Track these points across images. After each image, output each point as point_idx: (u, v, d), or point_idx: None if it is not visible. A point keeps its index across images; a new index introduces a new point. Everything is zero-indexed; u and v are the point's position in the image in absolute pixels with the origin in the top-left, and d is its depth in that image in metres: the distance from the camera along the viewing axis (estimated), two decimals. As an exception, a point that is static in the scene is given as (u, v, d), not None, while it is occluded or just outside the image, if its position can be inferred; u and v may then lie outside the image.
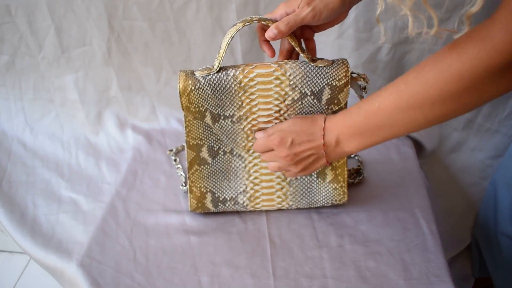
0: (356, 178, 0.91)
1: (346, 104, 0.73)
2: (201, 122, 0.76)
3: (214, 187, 0.82)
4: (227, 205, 0.83)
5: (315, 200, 0.82)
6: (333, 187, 0.81)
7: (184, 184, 0.92)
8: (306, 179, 0.81)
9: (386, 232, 0.80)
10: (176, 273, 0.76)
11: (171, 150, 1.02)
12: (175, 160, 0.99)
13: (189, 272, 0.76)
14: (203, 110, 0.74)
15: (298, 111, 0.73)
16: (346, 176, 0.80)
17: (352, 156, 0.97)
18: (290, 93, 0.71)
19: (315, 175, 0.81)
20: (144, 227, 0.84)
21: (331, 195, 0.82)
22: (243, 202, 0.83)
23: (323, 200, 0.82)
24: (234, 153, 0.79)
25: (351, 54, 0.98)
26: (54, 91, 1.10)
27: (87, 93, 1.10)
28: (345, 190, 0.81)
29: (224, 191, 0.82)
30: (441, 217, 0.93)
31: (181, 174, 0.95)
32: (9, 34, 1.01)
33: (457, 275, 1.12)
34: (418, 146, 1.05)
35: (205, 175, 0.81)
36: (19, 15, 0.99)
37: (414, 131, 0.66)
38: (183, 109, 0.75)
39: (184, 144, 0.84)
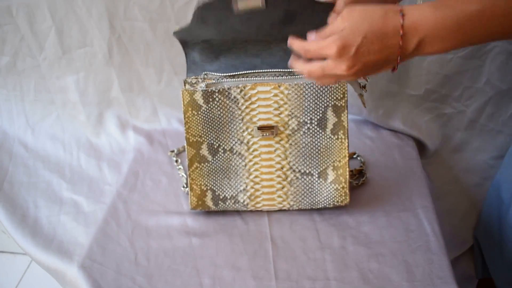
0: (359, 179, 0.90)
1: (344, 100, 0.72)
2: (200, 118, 0.75)
3: (214, 185, 0.82)
4: (227, 203, 0.83)
5: (316, 200, 0.82)
6: (335, 187, 0.80)
7: (185, 185, 0.91)
8: (307, 180, 0.81)
9: (389, 233, 0.79)
10: (178, 275, 0.75)
11: (172, 151, 1.02)
12: (176, 161, 0.99)
13: (191, 274, 0.75)
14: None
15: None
16: (347, 177, 0.80)
17: (354, 156, 0.96)
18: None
19: (317, 175, 0.80)
20: (145, 228, 0.84)
21: (333, 196, 0.81)
22: (244, 201, 0.82)
23: (325, 201, 0.82)
24: (234, 151, 0.79)
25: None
26: (55, 92, 1.09)
27: (88, 94, 1.09)
28: (347, 191, 0.81)
29: (225, 189, 0.82)
30: (443, 218, 0.93)
31: (183, 175, 0.94)
32: (10, 35, 1.01)
33: (461, 276, 1.11)
34: (421, 147, 1.04)
35: (205, 172, 0.81)
36: (20, 16, 0.98)
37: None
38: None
39: (185, 145, 0.84)
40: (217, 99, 0.72)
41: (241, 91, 0.72)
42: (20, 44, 1.02)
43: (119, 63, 1.06)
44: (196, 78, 0.78)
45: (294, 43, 0.58)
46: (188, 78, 0.78)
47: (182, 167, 0.96)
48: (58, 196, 0.96)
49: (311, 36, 0.57)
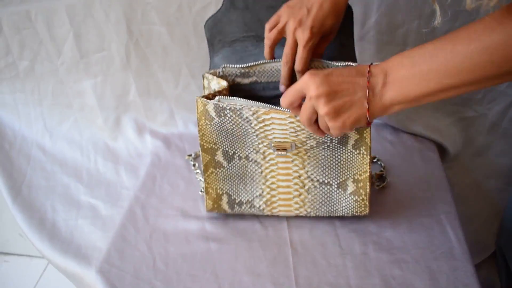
0: (380, 183, 0.88)
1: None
2: (214, 126, 0.75)
3: (230, 189, 0.81)
4: (243, 207, 0.82)
5: (334, 209, 0.80)
6: (354, 199, 0.78)
7: (203, 190, 0.90)
8: (325, 189, 0.78)
9: (411, 239, 0.78)
10: (196, 280, 0.74)
11: (190, 155, 1.01)
12: (193, 165, 0.98)
13: (209, 280, 0.74)
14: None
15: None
16: (368, 190, 0.77)
17: (375, 160, 0.95)
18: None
19: (336, 185, 0.78)
20: (163, 233, 0.83)
21: (352, 206, 0.79)
22: (260, 206, 0.81)
23: (343, 211, 0.80)
24: (250, 159, 0.78)
25: (372, 58, 0.96)
26: (73, 96, 1.10)
27: (105, 98, 1.09)
28: (367, 203, 0.78)
29: (240, 193, 0.81)
30: (464, 224, 0.91)
31: (200, 179, 0.93)
32: (29, 39, 1.02)
33: (483, 284, 1.09)
34: (442, 150, 1.02)
35: (221, 177, 0.80)
36: (39, 20, 0.99)
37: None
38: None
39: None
40: (228, 115, 0.71)
41: (253, 113, 0.70)
42: (39, 48, 1.03)
43: (136, 67, 1.05)
44: (214, 72, 0.79)
45: (281, 100, 0.64)
46: (206, 72, 0.79)
47: (199, 171, 0.96)
48: (75, 200, 0.96)
49: (281, 87, 0.72)
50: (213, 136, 0.76)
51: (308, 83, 0.59)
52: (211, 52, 0.84)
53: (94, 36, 1.01)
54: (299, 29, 0.69)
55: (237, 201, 0.82)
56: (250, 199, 0.81)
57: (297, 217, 0.83)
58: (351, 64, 0.71)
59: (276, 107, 0.69)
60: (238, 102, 0.70)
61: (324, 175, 0.77)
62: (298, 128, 0.70)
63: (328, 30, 0.71)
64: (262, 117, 0.70)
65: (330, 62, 0.73)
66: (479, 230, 1.10)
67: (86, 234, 0.88)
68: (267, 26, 0.74)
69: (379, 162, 0.94)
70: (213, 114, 0.72)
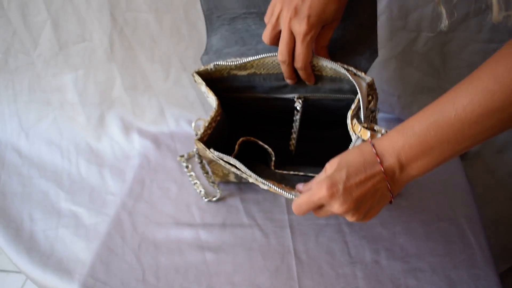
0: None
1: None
2: (218, 164, 0.80)
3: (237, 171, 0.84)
4: (251, 180, 0.84)
5: None
6: None
7: (205, 196, 0.91)
8: None
9: (427, 246, 0.79)
10: (191, 294, 0.75)
11: (182, 156, 1.02)
12: (186, 167, 0.99)
13: (205, 294, 0.75)
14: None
15: None
16: None
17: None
18: None
19: None
20: (153, 243, 0.84)
21: None
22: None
23: None
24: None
25: (384, 45, 0.96)
26: (52, 92, 1.10)
27: (88, 94, 1.10)
28: None
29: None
30: (486, 228, 0.91)
31: (196, 182, 0.94)
32: (1, 29, 1.02)
33: (509, 294, 1.10)
34: (461, 148, 1.03)
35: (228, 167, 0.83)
36: (12, 8, 0.99)
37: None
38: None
39: (194, 131, 0.85)
40: (228, 165, 0.75)
41: (240, 174, 0.73)
42: (12, 40, 1.03)
43: (121, 59, 1.06)
44: (205, 70, 0.79)
45: (294, 210, 0.65)
46: (196, 72, 0.79)
47: (194, 174, 0.96)
48: (55, 207, 0.97)
49: (298, 186, 0.68)
50: (221, 167, 0.83)
51: (330, 202, 0.59)
52: (208, 30, 0.82)
53: (74, 25, 1.01)
54: (295, 19, 0.67)
55: (244, 176, 0.84)
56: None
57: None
58: (358, 73, 0.69)
59: (278, 188, 0.69)
60: (236, 164, 0.72)
61: None
62: None
63: (330, 18, 0.68)
64: (260, 185, 0.71)
65: (332, 62, 0.71)
66: (504, 234, 1.11)
67: (68, 246, 0.88)
68: (265, 19, 0.72)
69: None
70: (213, 157, 0.75)
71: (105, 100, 1.11)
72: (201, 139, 0.75)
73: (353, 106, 0.67)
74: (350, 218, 0.61)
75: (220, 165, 0.82)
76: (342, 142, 0.80)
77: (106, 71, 1.07)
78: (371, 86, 0.68)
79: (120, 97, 1.10)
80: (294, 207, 0.64)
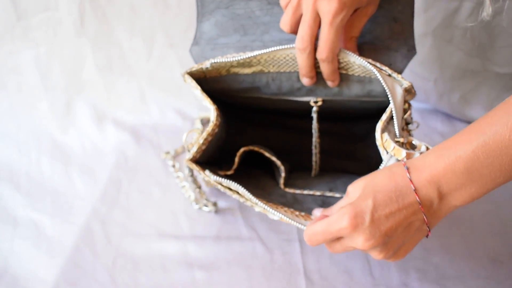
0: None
1: None
2: None
3: None
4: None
5: None
6: None
7: (196, 202, 0.91)
8: None
9: (469, 266, 0.79)
10: (176, 322, 0.76)
11: (168, 153, 1.02)
12: (173, 166, 0.99)
13: (194, 321, 0.76)
14: None
15: None
16: None
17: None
18: None
19: None
20: (131, 258, 0.84)
21: None
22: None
23: None
24: None
25: (418, 17, 0.96)
26: (7, 73, 1.10)
27: (51, 76, 1.10)
28: None
29: None
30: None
31: (183, 185, 0.94)
32: None
33: None
34: None
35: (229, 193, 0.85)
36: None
37: None
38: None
39: (185, 145, 0.85)
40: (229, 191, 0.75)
41: (244, 201, 0.74)
42: (-41, 8, 1.04)
43: (93, 33, 1.06)
44: (199, 69, 0.76)
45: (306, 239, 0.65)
46: (186, 73, 0.76)
47: (182, 174, 0.97)
48: (10, 214, 0.96)
49: (316, 212, 0.69)
50: None
51: (352, 235, 0.59)
52: (199, 13, 0.80)
53: (35, -10, 1.02)
54: None
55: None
56: None
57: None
58: (393, 75, 0.68)
59: (293, 221, 0.69)
60: (239, 190, 0.72)
61: None
62: None
63: (365, 0, 0.68)
64: (270, 215, 0.72)
65: (362, 59, 0.69)
66: None
67: (26, 261, 0.88)
68: (281, 2, 0.71)
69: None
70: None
71: (73, 84, 1.11)
72: (193, 159, 0.74)
73: (384, 117, 0.66)
74: (377, 256, 0.61)
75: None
76: (365, 138, 0.81)
77: (75, 48, 1.08)
78: (408, 91, 0.68)
79: (91, 79, 1.11)
80: (307, 236, 0.64)
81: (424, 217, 0.59)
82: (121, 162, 1.03)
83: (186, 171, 0.90)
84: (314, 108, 0.78)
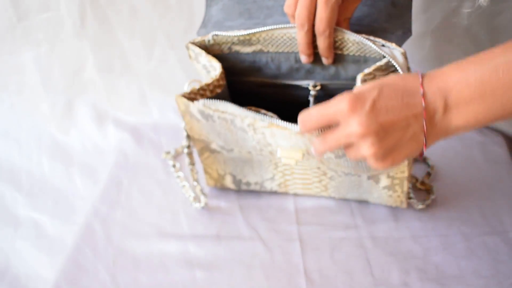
0: (427, 189, 0.90)
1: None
2: (202, 126, 0.79)
3: (234, 170, 0.88)
4: (251, 187, 0.89)
5: (364, 197, 0.87)
6: (388, 194, 0.83)
7: (195, 199, 0.92)
8: (352, 178, 0.83)
9: (469, 265, 0.79)
10: (177, 321, 0.76)
11: (168, 153, 1.03)
12: (173, 166, 1.00)
13: (195, 320, 0.76)
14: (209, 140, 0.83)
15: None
16: (406, 188, 0.82)
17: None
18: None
19: (366, 176, 0.81)
20: (132, 257, 0.84)
21: (385, 199, 0.85)
22: (271, 188, 0.89)
23: (375, 200, 0.86)
24: (253, 153, 0.82)
25: (418, 17, 0.97)
26: (8, 73, 1.11)
27: (52, 76, 1.11)
28: (404, 199, 0.84)
29: (247, 175, 0.88)
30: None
31: (184, 186, 0.95)
32: None
33: None
34: (512, 145, 1.03)
35: (221, 161, 0.87)
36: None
37: None
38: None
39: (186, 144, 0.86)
40: (217, 121, 0.75)
41: (249, 125, 0.73)
42: (-40, 9, 1.04)
43: (94, 34, 1.07)
44: (202, 41, 0.79)
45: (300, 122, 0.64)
46: (191, 43, 0.80)
47: (182, 174, 0.97)
48: (12, 214, 0.97)
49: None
50: (203, 133, 0.80)
51: (348, 119, 0.58)
52: None
53: (36, -10, 1.02)
54: None
55: (243, 181, 0.89)
56: (259, 181, 0.88)
57: (314, 235, 0.85)
58: (387, 44, 0.71)
59: (278, 122, 0.70)
60: (228, 109, 0.72)
61: (349, 168, 0.80)
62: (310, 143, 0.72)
63: None
64: (260, 129, 0.72)
65: (356, 35, 0.73)
66: None
67: (27, 260, 0.89)
68: None
69: (425, 161, 0.95)
70: (198, 116, 0.75)
71: (73, 84, 1.12)
72: (184, 95, 0.75)
73: (367, 70, 0.69)
74: (367, 149, 0.59)
75: (215, 159, 0.84)
76: None
77: (75, 48, 1.08)
78: (405, 57, 0.70)
79: (92, 80, 1.11)
80: (301, 119, 0.63)
81: (424, 124, 0.58)
82: (122, 162, 1.03)
83: (187, 161, 0.90)
84: (312, 92, 0.81)
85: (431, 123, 0.59)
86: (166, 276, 0.81)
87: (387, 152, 0.60)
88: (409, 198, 0.86)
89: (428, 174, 0.93)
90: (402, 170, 0.78)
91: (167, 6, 1.03)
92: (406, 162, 0.76)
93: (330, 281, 0.78)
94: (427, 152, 0.95)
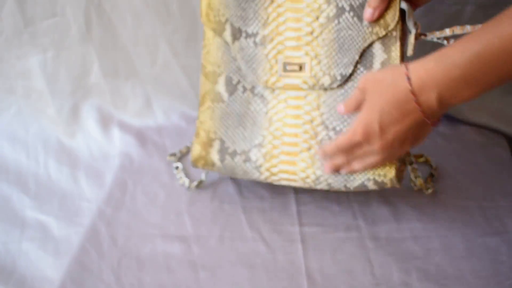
0: (429, 190, 0.90)
1: (396, 27, 0.77)
2: (221, 42, 0.84)
3: (225, 134, 0.88)
4: (236, 160, 0.88)
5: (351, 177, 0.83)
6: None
7: (188, 184, 0.92)
8: None
9: (470, 265, 0.79)
10: (180, 320, 0.76)
11: (173, 155, 1.03)
12: (176, 168, 1.00)
13: (198, 319, 0.76)
14: (224, 20, 0.84)
15: (334, 35, 0.80)
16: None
17: (422, 160, 0.96)
18: (325, 6, 0.80)
19: None
20: (136, 258, 0.84)
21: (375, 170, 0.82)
22: (256, 160, 0.87)
23: (363, 176, 0.82)
24: (256, 91, 0.85)
25: (421, 18, 0.97)
26: (15, 78, 1.11)
27: (58, 81, 1.11)
28: (393, 171, 0.81)
29: (236, 140, 0.88)
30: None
31: (186, 186, 0.95)
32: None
33: None
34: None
35: (218, 115, 0.88)
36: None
37: None
38: (202, 19, 0.85)
39: (189, 146, 0.86)
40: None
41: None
42: (-32, 15, 1.05)
43: (99, 39, 1.07)
44: None
45: (326, 150, 0.80)
46: None
47: (184, 176, 0.97)
48: (19, 216, 0.97)
49: (340, 106, 0.78)
50: (219, 53, 0.85)
51: (370, 145, 0.73)
52: None
53: (42, -3, 1.03)
54: None
55: (230, 150, 0.88)
56: (246, 149, 0.87)
57: (315, 236, 0.85)
58: None
59: None
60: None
61: (343, 122, 0.81)
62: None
63: None
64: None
65: None
66: None
67: (33, 261, 0.89)
68: None
69: (428, 163, 0.96)
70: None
71: (79, 88, 1.12)
72: None
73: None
74: (382, 148, 0.73)
75: (213, 113, 0.88)
76: None
77: (81, 53, 1.09)
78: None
79: (97, 84, 1.12)
80: (322, 154, 0.80)
81: (425, 120, 0.68)
82: (127, 165, 1.04)
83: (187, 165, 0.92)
84: None
85: (432, 113, 0.67)
86: (170, 277, 0.81)
87: (395, 151, 0.75)
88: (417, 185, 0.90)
89: (431, 175, 0.93)
90: None
91: (170, 13, 1.03)
92: None
93: (332, 281, 0.78)
94: (429, 154, 0.96)
